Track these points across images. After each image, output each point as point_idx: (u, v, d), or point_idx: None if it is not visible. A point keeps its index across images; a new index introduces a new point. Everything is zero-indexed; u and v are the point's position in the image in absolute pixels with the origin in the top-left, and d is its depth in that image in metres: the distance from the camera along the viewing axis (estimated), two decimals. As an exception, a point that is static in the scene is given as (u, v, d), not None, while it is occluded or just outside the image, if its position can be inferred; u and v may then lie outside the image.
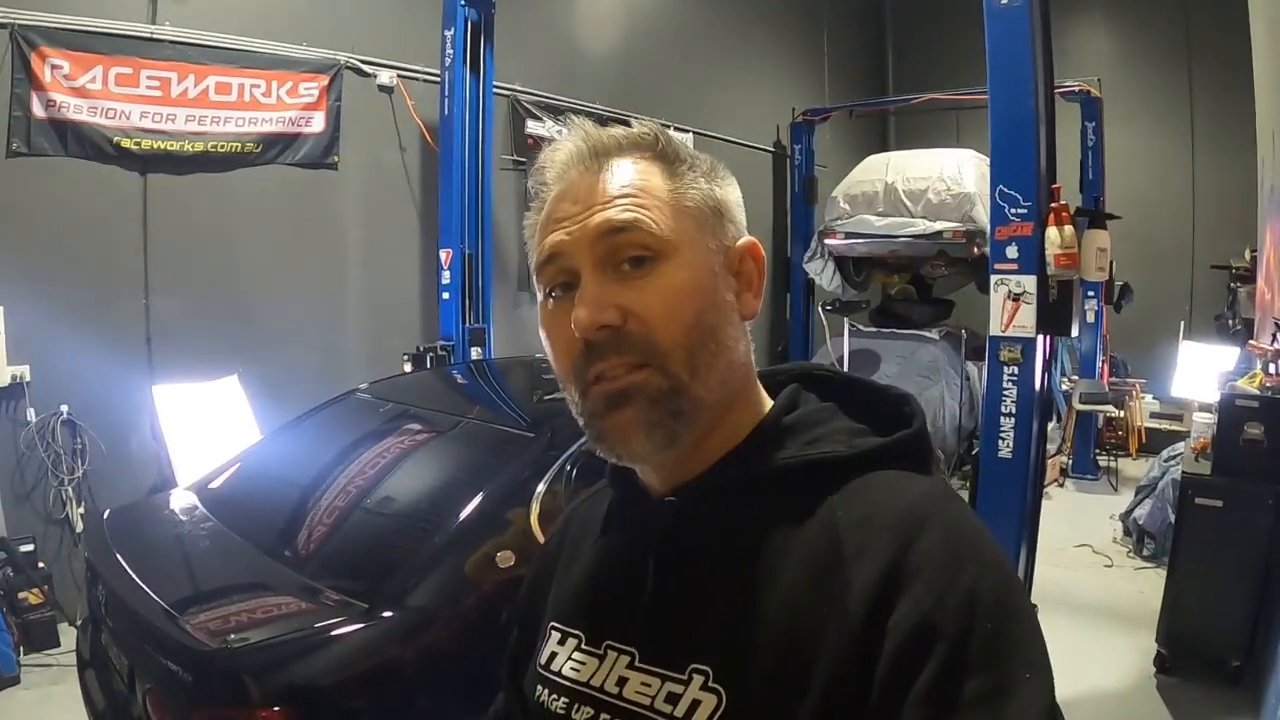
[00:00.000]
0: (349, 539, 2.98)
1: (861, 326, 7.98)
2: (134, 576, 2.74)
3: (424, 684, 2.57)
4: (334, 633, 2.46)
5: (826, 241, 8.15)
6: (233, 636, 2.38)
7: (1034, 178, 3.82)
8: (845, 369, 7.17)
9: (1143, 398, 8.42)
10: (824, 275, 8.43)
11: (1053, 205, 3.86)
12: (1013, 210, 3.84)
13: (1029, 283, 3.85)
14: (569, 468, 3.08)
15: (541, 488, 2.99)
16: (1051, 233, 3.81)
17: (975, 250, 7.22)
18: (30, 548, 4.61)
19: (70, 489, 4.80)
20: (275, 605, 2.68)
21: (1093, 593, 5.36)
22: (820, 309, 7.83)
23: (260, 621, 2.58)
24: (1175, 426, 8.39)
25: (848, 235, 7.95)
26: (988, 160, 7.59)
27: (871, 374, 7.36)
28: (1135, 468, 8.24)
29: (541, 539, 2.87)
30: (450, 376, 4.79)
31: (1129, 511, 6.42)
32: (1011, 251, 3.90)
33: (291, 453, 3.61)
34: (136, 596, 2.64)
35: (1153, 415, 8.51)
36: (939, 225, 7.38)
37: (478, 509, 2.85)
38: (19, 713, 4.07)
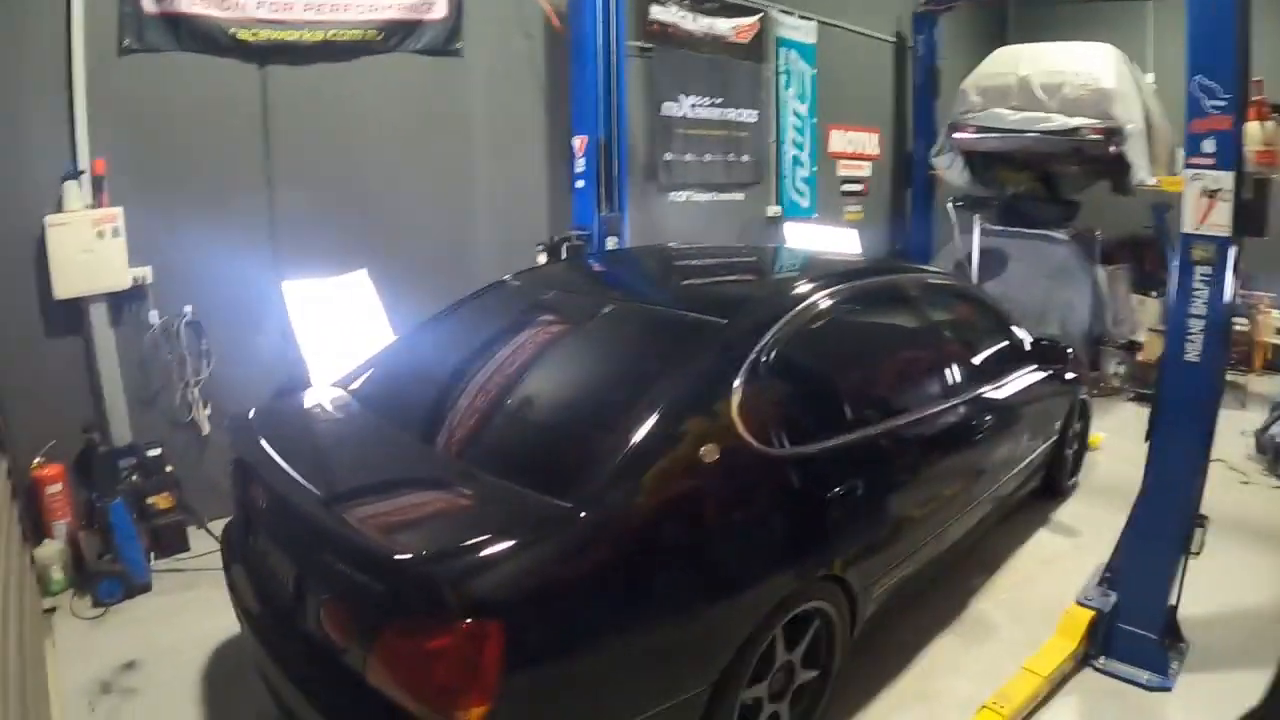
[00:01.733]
0: (538, 434, 2.60)
1: (988, 225, 7.37)
2: (298, 476, 2.39)
3: (633, 587, 2.23)
4: (538, 535, 2.11)
5: (955, 135, 7.51)
6: (429, 541, 2.05)
7: (1234, 70, 3.36)
8: (974, 267, 6.65)
9: (1270, 313, 7.68)
10: (952, 171, 7.80)
11: (1253, 99, 3.38)
12: (1210, 103, 3.36)
13: (1225, 179, 3.38)
14: (764, 356, 2.72)
15: (740, 379, 2.62)
16: (1251, 128, 3.35)
17: (1112, 149, 6.59)
18: (157, 452, 4.35)
19: (196, 391, 4.51)
20: (464, 507, 2.32)
21: (1231, 508, 4.82)
22: (949, 205, 7.37)
23: (454, 526, 2.22)
24: None
25: (978, 129, 7.30)
26: (1127, 56, 7.10)
27: (999, 274, 6.82)
28: (1259, 384, 7.60)
29: (744, 431, 2.52)
30: (611, 263, 4.37)
31: (1265, 429, 5.92)
32: (1208, 145, 3.42)
33: (451, 344, 3.21)
34: (304, 498, 2.30)
35: (1278, 331, 7.77)
36: (1076, 121, 6.72)
37: (678, 400, 2.48)
38: (152, 620, 3.82)
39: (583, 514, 2.17)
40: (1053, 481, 4.85)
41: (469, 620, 1.92)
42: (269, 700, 2.76)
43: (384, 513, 2.27)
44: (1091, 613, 3.54)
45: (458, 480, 2.41)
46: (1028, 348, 4.29)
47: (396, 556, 1.99)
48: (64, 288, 4.06)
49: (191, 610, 3.89)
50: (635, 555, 2.23)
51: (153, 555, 4.24)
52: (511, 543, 2.06)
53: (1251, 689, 2.72)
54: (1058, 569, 4.28)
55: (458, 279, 4.04)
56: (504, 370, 2.81)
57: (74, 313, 4.18)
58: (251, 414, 2.92)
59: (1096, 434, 5.51)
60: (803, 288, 3.09)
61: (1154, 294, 7.47)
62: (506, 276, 3.53)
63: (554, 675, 2.09)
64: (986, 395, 3.79)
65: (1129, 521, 3.57)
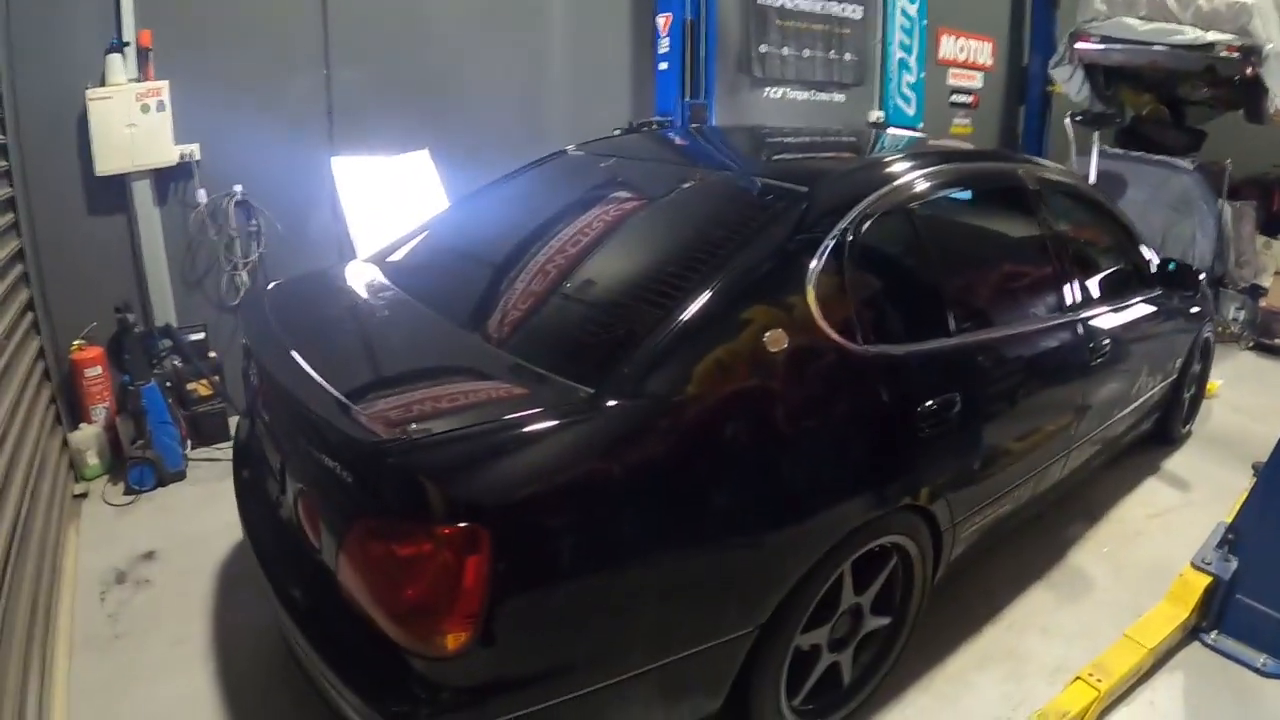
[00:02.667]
0: (570, 311, 2.18)
1: (1107, 148, 6.65)
2: (294, 355, 2.06)
3: (669, 499, 1.82)
4: (550, 425, 1.70)
5: (1078, 46, 6.79)
6: (414, 426, 1.65)
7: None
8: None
9: None
10: (1071, 84, 7.07)
11: None
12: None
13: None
14: (850, 234, 2.23)
15: (819, 257, 2.15)
16: None
17: (1249, 69, 5.91)
18: (200, 336, 4.09)
19: (245, 274, 4.24)
20: (475, 389, 1.93)
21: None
22: (1068, 121, 6.66)
23: (455, 409, 1.82)
24: None
25: (1103, 40, 6.57)
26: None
27: (1118, 199, 6.13)
28: None
29: (821, 320, 2.05)
30: (684, 135, 3.89)
31: None
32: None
33: (493, 217, 2.82)
34: (294, 378, 1.95)
35: None
36: (1211, 36, 6.01)
37: (740, 275, 2.03)
38: (181, 510, 3.61)
39: (610, 402, 1.77)
40: (1165, 426, 4.28)
41: (450, 525, 1.56)
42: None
43: (386, 398, 1.91)
44: (1208, 579, 3.04)
45: (481, 363, 2.03)
46: (1154, 269, 3.69)
47: (368, 441, 1.64)
48: (106, 164, 3.80)
49: (223, 501, 3.59)
50: (674, 459, 1.83)
51: (190, 443, 4.02)
52: (514, 432, 1.68)
53: None
54: (1167, 525, 3.76)
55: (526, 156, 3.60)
56: (545, 241, 2.41)
57: (117, 190, 3.91)
58: (270, 287, 2.59)
59: (1213, 380, 4.88)
60: (901, 164, 2.56)
61: (1280, 237, 6.69)
62: (569, 146, 3.09)
63: (557, 603, 1.71)
64: (1105, 317, 3.24)
65: (1260, 477, 3.03)
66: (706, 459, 1.86)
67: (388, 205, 4.27)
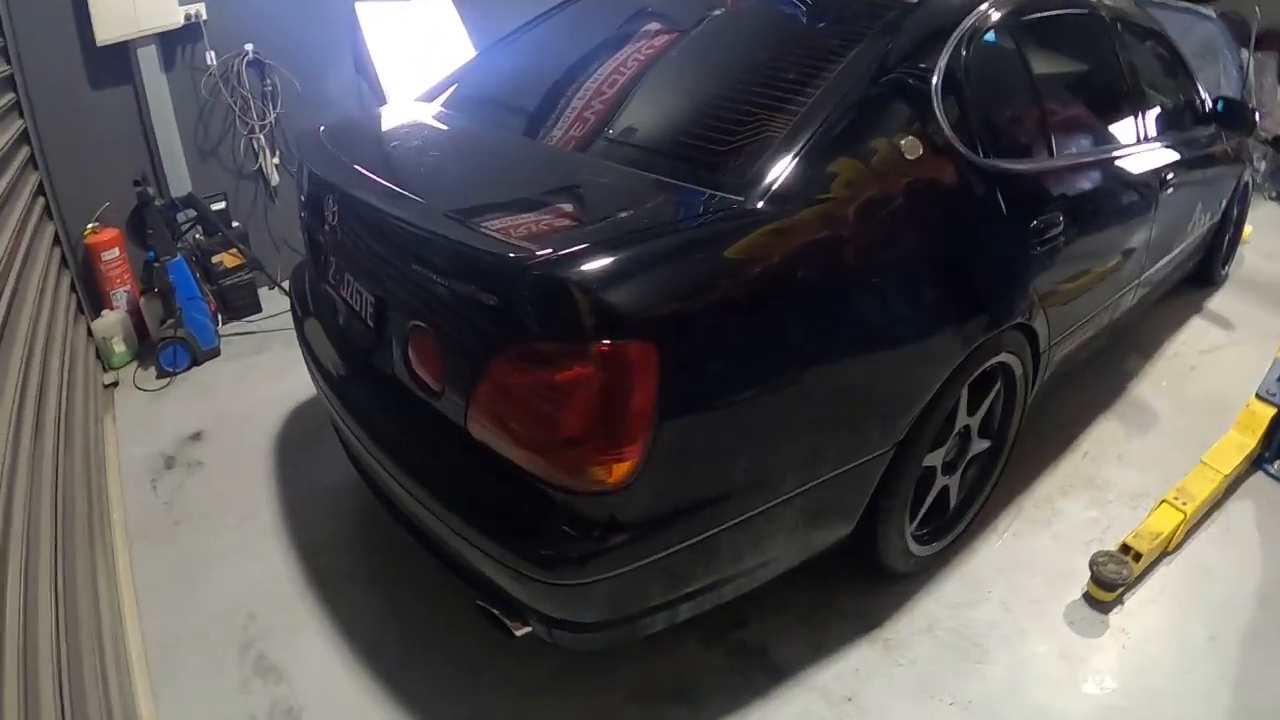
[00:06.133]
0: (696, 120, 1.96)
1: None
2: (382, 181, 1.83)
3: (823, 307, 1.69)
4: (708, 231, 1.56)
5: None
6: (563, 239, 1.48)
7: None
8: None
9: None
10: None
11: None
12: None
13: None
14: (963, 49, 2.07)
15: (944, 59, 1.99)
16: None
17: None
18: (222, 205, 3.83)
19: (262, 137, 3.95)
20: (609, 203, 1.70)
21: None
22: None
23: (598, 223, 1.63)
24: None
25: None
26: None
27: None
28: None
29: (946, 126, 1.90)
30: None
31: None
32: None
33: (570, 41, 2.57)
34: (398, 204, 1.74)
35: None
36: None
37: (870, 81, 1.86)
38: (220, 387, 3.42)
39: (763, 209, 1.60)
40: (1207, 267, 4.19)
41: (617, 342, 1.39)
42: (349, 466, 2.34)
43: (498, 215, 1.72)
44: (1273, 409, 2.98)
45: (590, 177, 1.84)
46: (1207, 107, 3.53)
47: (516, 256, 1.44)
48: (106, 31, 3.45)
49: (263, 373, 3.48)
50: (828, 267, 1.68)
51: (220, 318, 3.81)
52: (673, 241, 1.52)
53: None
54: (1218, 361, 3.71)
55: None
56: (641, 56, 2.19)
57: (120, 59, 3.57)
58: (321, 129, 2.35)
59: (1246, 227, 4.78)
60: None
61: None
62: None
63: (720, 425, 1.58)
64: (1172, 149, 3.11)
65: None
66: (856, 267, 1.72)
67: (416, 51, 3.97)
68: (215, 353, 3.62)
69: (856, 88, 1.81)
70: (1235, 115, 3.53)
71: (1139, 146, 2.88)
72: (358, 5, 3.93)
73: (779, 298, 1.59)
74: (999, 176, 2.09)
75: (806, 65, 1.92)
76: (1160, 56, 3.41)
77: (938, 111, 1.91)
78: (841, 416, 1.78)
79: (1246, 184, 4.29)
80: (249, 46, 3.80)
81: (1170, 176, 3.02)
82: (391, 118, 2.47)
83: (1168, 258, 3.31)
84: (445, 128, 2.28)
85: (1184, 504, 2.60)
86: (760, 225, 1.58)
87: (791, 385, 1.64)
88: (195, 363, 3.53)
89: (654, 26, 2.33)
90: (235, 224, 3.88)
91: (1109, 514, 2.70)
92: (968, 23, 2.09)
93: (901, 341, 1.83)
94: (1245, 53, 6.03)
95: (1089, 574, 2.33)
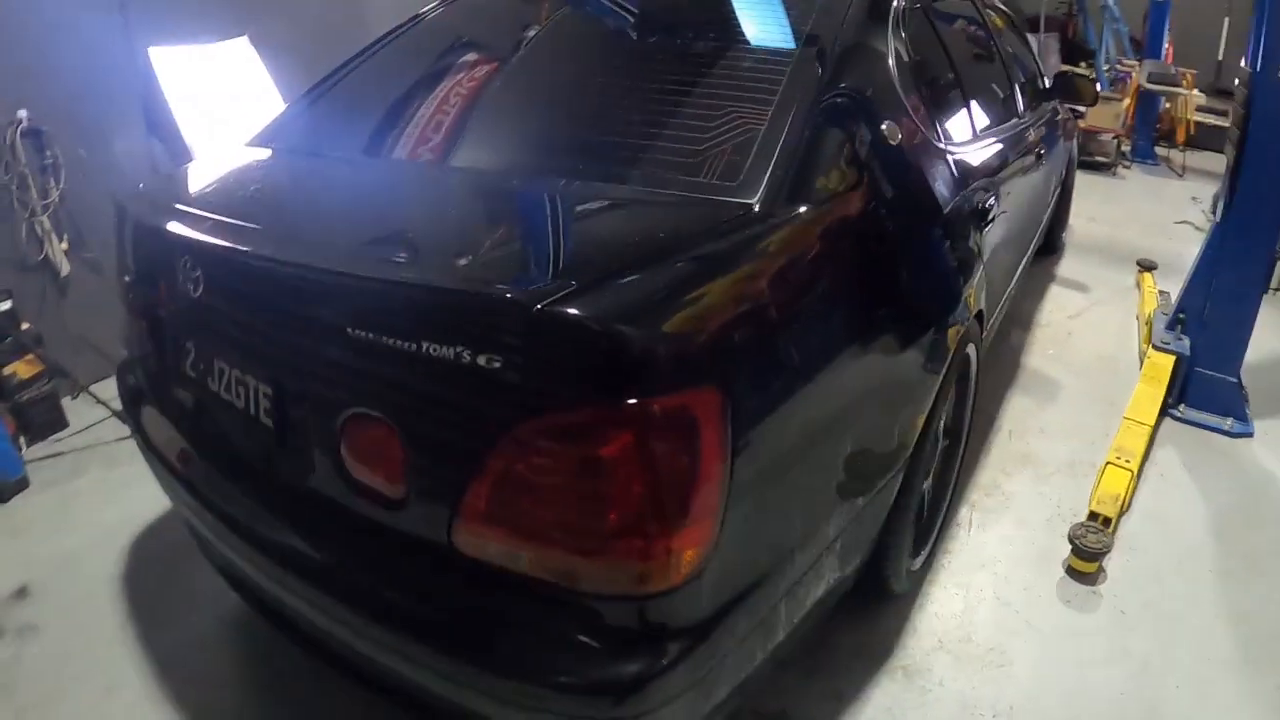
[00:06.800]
0: (680, 130, 1.63)
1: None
2: (280, 229, 1.45)
3: (855, 306, 1.47)
4: (733, 243, 1.28)
5: None
6: (565, 276, 1.14)
7: None
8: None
9: (1194, 90, 7.42)
10: None
11: None
12: None
13: None
14: (903, 13, 1.99)
15: (894, 61, 1.85)
16: None
17: None
18: (7, 305, 3.17)
19: (46, 219, 3.29)
20: (606, 226, 1.41)
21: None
22: None
23: (604, 248, 1.31)
24: (1222, 121, 7.63)
25: None
26: None
27: None
28: (1188, 159, 7.42)
29: (911, 111, 1.80)
30: None
31: None
32: None
33: (431, 55, 2.22)
34: (310, 253, 1.35)
35: (1199, 109, 7.57)
36: None
37: (837, 69, 1.68)
38: (40, 525, 2.74)
39: (777, 212, 1.36)
40: (1052, 236, 4.38)
41: (670, 391, 1.06)
42: (233, 596, 1.89)
43: (454, 251, 1.34)
44: (1173, 356, 3.09)
45: (564, 201, 1.49)
46: (1048, 83, 3.65)
47: (508, 297, 1.09)
48: None
49: (86, 502, 2.84)
50: (854, 262, 1.48)
51: (23, 441, 3.14)
52: (703, 260, 1.22)
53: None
54: (1088, 322, 3.86)
55: (357, 44, 2.91)
56: (588, 71, 1.90)
57: None
58: (141, 186, 1.91)
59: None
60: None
61: (1083, 65, 7.12)
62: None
63: (784, 467, 1.29)
64: (1038, 124, 3.19)
65: (1202, 259, 3.10)
66: (874, 259, 1.54)
67: (219, 98, 3.49)
68: (23, 484, 2.95)
69: (824, 74, 1.62)
70: (1078, 88, 3.62)
71: (1021, 122, 2.93)
72: (152, 51, 3.39)
73: (818, 304, 1.36)
74: (954, 160, 1.99)
75: (771, 57, 1.71)
76: (1015, 36, 3.51)
77: (900, 94, 1.76)
78: (874, 432, 1.57)
79: (1073, 156, 4.53)
80: (23, 113, 3.15)
81: (1040, 149, 3.08)
82: (231, 163, 2.01)
83: (1040, 226, 3.39)
84: (316, 165, 1.90)
85: (1127, 462, 2.62)
86: (783, 227, 1.34)
87: (838, 404, 1.41)
88: (1, 500, 2.87)
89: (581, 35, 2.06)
90: (25, 326, 3.22)
91: (1055, 486, 2.67)
92: (896, 3, 1.98)
93: (919, 333, 1.65)
94: (1034, 36, 6.50)
95: (1069, 549, 2.28)
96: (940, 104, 2.11)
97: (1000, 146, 2.48)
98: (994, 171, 2.32)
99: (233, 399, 1.49)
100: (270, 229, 1.48)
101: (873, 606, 2.11)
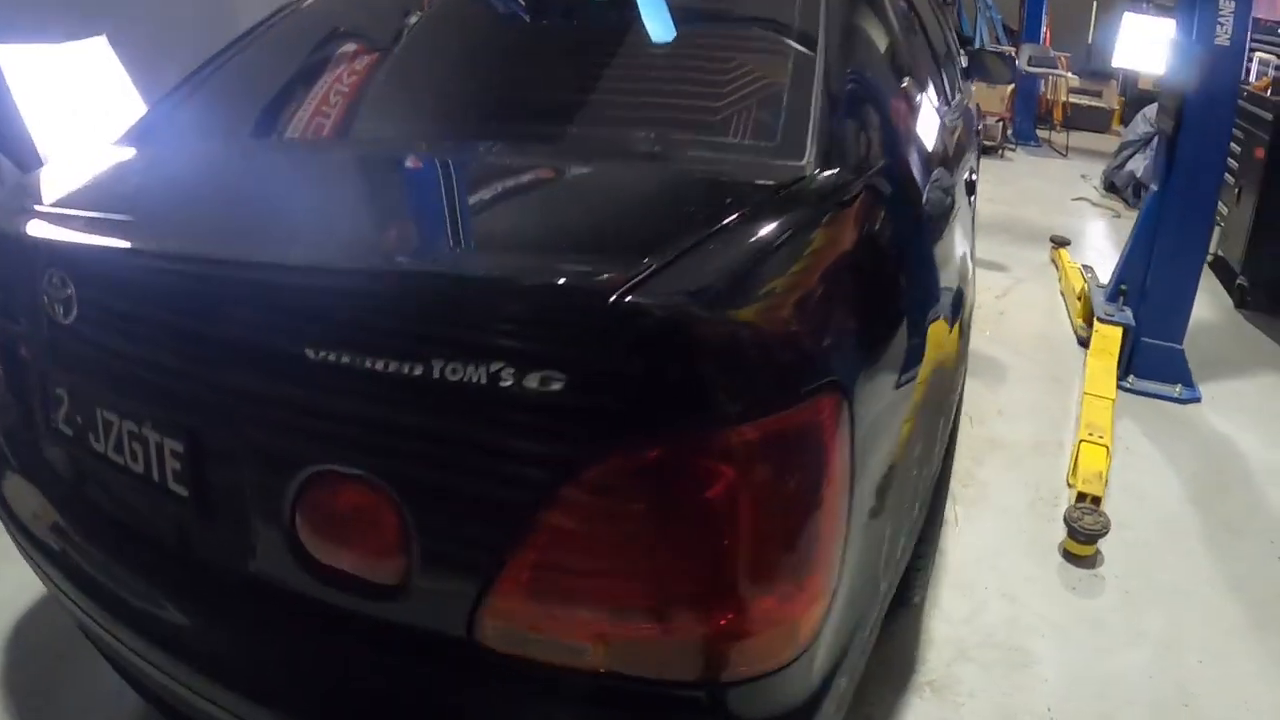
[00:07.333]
0: (708, 94, 1.35)
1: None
2: (170, 227, 1.12)
3: (920, 278, 1.26)
4: (807, 212, 1.00)
5: None
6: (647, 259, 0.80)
7: None
8: None
9: (1067, 74, 7.74)
10: None
11: None
12: None
13: None
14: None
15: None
16: None
17: None
18: None
19: None
20: (645, 201, 1.09)
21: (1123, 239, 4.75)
22: None
23: (658, 227, 0.96)
24: (1096, 102, 8.01)
25: None
26: None
27: None
28: (1062, 139, 7.73)
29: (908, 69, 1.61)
30: None
31: (1119, 167, 5.87)
32: None
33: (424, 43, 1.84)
34: (221, 249, 1.01)
35: (1072, 91, 7.91)
36: None
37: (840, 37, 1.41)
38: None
39: (840, 175, 1.11)
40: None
41: (796, 402, 0.80)
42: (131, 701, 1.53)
43: (487, 248, 1.03)
44: (1119, 328, 3.06)
45: (582, 177, 1.19)
46: (966, 59, 3.57)
47: (568, 284, 0.79)
48: None
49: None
50: (914, 229, 1.28)
51: None
52: (788, 228, 0.93)
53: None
54: (1016, 301, 3.85)
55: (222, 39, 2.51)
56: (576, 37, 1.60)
57: None
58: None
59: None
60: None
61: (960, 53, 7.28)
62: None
63: (886, 486, 1.04)
64: (966, 103, 3.09)
65: (1140, 229, 3.10)
66: (923, 221, 1.34)
67: (75, 100, 3.17)
68: None
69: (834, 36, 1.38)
70: (997, 64, 3.53)
71: (956, 98, 2.80)
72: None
73: (901, 280, 1.15)
74: (942, 128, 1.87)
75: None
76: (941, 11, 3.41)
77: (903, 52, 1.58)
78: (936, 421, 1.37)
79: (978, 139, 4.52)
80: None
81: (971, 134, 3.00)
82: (101, 162, 1.60)
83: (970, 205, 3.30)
84: (230, 163, 1.53)
85: (1100, 438, 2.55)
86: (853, 191, 1.09)
87: (933, 394, 1.22)
88: None
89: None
90: None
91: (1027, 469, 2.58)
92: None
93: (959, 308, 1.48)
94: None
95: (1062, 533, 2.19)
96: (917, 70, 1.95)
97: (955, 117, 2.36)
98: (953, 147, 2.19)
99: (125, 460, 1.09)
100: (172, 222, 1.15)
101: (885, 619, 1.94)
